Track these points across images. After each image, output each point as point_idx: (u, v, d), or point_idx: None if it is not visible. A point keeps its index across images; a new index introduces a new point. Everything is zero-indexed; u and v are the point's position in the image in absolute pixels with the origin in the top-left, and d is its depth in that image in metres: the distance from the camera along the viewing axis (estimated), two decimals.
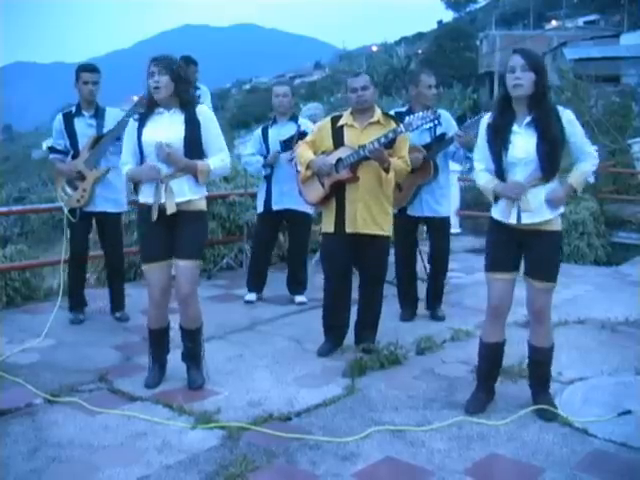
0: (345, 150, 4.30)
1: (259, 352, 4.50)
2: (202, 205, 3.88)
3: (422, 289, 5.40)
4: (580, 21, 43.86)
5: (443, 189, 5.13)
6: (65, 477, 3.00)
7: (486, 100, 27.22)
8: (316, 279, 5.72)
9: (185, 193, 3.78)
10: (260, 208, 5.69)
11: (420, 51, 38.88)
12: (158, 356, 3.98)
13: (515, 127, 3.40)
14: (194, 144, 3.78)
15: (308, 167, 4.40)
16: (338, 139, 4.37)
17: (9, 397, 3.72)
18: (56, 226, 5.06)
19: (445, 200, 5.16)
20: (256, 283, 5.79)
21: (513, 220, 3.43)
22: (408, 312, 5.25)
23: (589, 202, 8.49)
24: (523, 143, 3.36)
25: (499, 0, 57.25)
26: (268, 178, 5.57)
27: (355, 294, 4.58)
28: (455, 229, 8.16)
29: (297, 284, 5.75)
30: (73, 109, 5.02)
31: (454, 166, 6.27)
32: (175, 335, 4.02)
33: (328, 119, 4.52)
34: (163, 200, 3.74)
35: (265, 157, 5.54)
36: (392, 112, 5.10)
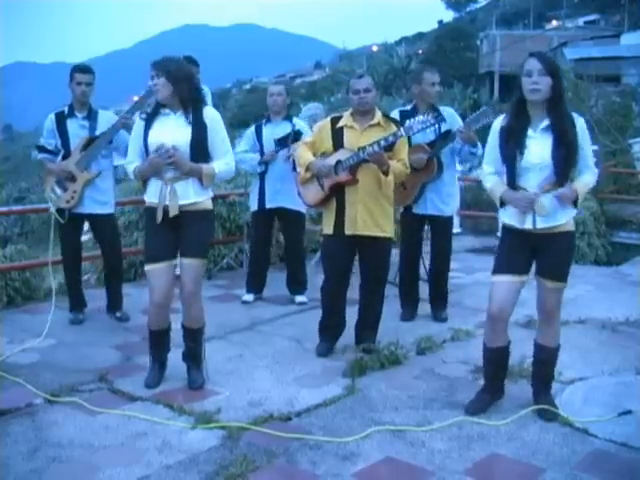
0: (344, 152, 4.30)
1: (259, 352, 4.50)
2: (208, 204, 3.88)
3: (423, 290, 5.40)
4: (580, 21, 43.81)
5: (449, 187, 5.09)
6: (65, 477, 3.00)
7: (486, 100, 27.16)
8: (317, 279, 5.71)
9: (190, 196, 3.77)
10: (254, 206, 5.69)
11: (420, 51, 38.83)
12: (158, 355, 3.98)
13: (530, 132, 3.37)
14: (200, 147, 3.77)
15: (307, 169, 4.39)
16: (338, 140, 4.36)
17: (9, 397, 3.72)
18: (56, 226, 5.04)
19: (451, 199, 5.12)
20: (255, 284, 5.79)
21: (529, 225, 3.39)
22: (409, 312, 5.24)
23: (589, 202, 8.49)
24: (538, 148, 3.34)
25: (499, 0, 57.24)
26: (262, 176, 5.57)
27: (355, 294, 4.58)
28: (455, 229, 8.15)
29: (297, 284, 5.76)
30: (66, 109, 5.00)
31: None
32: (175, 335, 4.01)
33: (328, 120, 4.52)
34: (167, 202, 3.74)
35: (261, 154, 5.53)
36: (396, 111, 5.11)
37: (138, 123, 3.88)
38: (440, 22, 55.69)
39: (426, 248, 5.48)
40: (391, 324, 4.87)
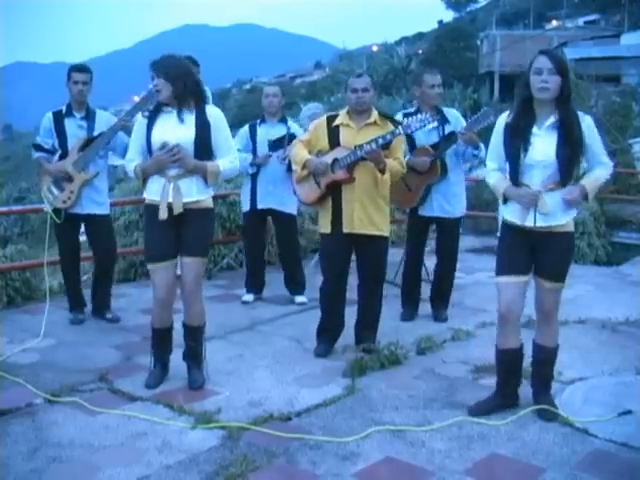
0: (341, 150, 4.29)
1: (259, 352, 4.50)
2: (209, 203, 3.88)
3: (425, 290, 5.39)
4: (580, 21, 43.79)
5: (454, 188, 5.06)
6: (65, 477, 3.00)
7: (486, 100, 27.15)
8: (316, 280, 5.70)
9: (193, 194, 3.77)
10: (246, 207, 5.68)
11: (420, 51, 38.79)
12: (160, 356, 3.97)
13: (535, 129, 3.36)
14: (204, 145, 3.76)
15: (304, 167, 4.38)
16: (334, 138, 4.35)
17: (9, 397, 3.72)
18: (53, 226, 5.01)
19: (457, 200, 5.09)
20: (254, 283, 5.79)
21: (530, 223, 3.39)
22: (409, 312, 5.23)
23: (589, 202, 8.47)
24: (543, 146, 3.33)
25: (499, 0, 57.22)
26: (253, 177, 5.55)
27: (354, 294, 4.58)
28: None
29: (295, 284, 5.74)
30: (63, 109, 4.98)
31: None
32: (176, 335, 4.01)
33: (324, 118, 4.50)
34: (170, 199, 3.73)
35: (254, 154, 5.51)
36: (400, 113, 5.11)
37: (140, 121, 3.86)
38: (440, 22, 55.65)
39: (427, 248, 5.47)
40: (391, 324, 4.87)
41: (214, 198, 4.02)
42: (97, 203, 5.01)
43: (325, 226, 4.42)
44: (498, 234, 3.64)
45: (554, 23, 45.29)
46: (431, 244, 5.69)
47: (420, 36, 57.68)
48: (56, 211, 4.94)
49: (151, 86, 3.71)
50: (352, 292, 4.60)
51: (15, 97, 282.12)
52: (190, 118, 3.75)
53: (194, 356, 3.95)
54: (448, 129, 4.93)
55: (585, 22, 43.46)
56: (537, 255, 3.47)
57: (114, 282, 5.60)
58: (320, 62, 76.14)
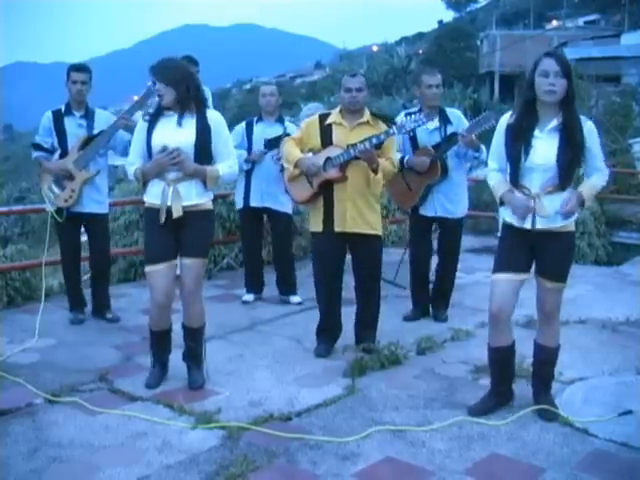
0: (334, 149, 4.28)
1: (259, 352, 4.50)
2: (209, 205, 3.88)
3: None
4: (580, 21, 43.77)
5: (457, 189, 5.05)
6: (65, 477, 3.00)
7: (486, 100, 27.16)
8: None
9: (192, 197, 3.77)
10: (239, 204, 5.68)
11: (420, 51, 38.78)
12: (160, 357, 3.98)
13: (537, 132, 3.35)
14: (204, 150, 3.76)
15: (296, 165, 4.37)
16: (326, 137, 4.34)
17: (9, 397, 3.72)
18: (54, 226, 5.01)
19: (459, 200, 5.08)
20: (254, 283, 5.79)
21: (528, 225, 3.39)
22: (415, 313, 5.21)
23: (589, 202, 8.47)
24: (544, 149, 3.32)
25: (499, 0, 57.21)
26: (247, 174, 5.54)
27: (352, 294, 4.58)
28: None
29: (287, 285, 5.72)
30: (62, 108, 4.99)
31: None
32: (176, 335, 4.01)
33: (316, 116, 4.48)
34: (170, 203, 3.73)
35: (249, 152, 5.50)
36: (403, 112, 5.10)
37: (141, 124, 3.86)
38: (440, 22, 55.64)
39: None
40: (391, 324, 4.87)
41: (214, 198, 4.02)
42: (98, 202, 5.01)
43: (316, 225, 4.40)
44: (498, 234, 3.64)
45: (554, 23, 45.28)
46: (432, 244, 5.68)
47: (420, 36, 57.67)
48: (58, 210, 4.94)
49: (150, 84, 3.70)
50: (351, 292, 4.60)
51: (15, 97, 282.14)
52: (191, 122, 3.75)
53: (194, 356, 3.95)
54: (450, 130, 4.92)
55: (585, 22, 43.45)
56: (538, 255, 3.47)
57: (114, 282, 5.60)
58: (320, 62, 76.11)
